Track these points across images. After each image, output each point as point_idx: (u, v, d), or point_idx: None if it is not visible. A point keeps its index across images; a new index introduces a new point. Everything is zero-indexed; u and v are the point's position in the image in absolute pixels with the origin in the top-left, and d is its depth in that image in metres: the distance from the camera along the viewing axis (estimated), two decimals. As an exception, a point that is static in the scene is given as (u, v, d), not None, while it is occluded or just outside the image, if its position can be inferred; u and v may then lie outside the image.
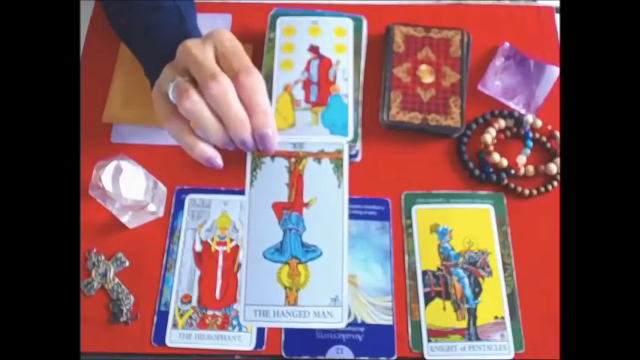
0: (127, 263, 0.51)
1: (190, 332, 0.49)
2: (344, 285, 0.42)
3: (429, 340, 0.48)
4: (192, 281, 0.50)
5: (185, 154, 0.42)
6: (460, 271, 0.51)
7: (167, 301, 0.50)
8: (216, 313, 0.49)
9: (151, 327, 0.49)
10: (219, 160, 0.42)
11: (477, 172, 0.54)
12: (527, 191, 0.53)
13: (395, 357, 0.48)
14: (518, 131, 0.56)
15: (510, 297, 0.50)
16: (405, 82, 0.56)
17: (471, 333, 0.48)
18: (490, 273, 0.51)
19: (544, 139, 0.56)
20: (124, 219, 0.50)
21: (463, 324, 0.49)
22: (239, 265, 0.51)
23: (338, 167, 0.44)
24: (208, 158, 0.42)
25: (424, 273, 0.51)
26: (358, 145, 0.53)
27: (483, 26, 0.61)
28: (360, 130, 0.51)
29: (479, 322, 0.49)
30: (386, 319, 0.49)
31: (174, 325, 0.49)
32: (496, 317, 0.49)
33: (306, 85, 0.49)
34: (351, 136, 0.47)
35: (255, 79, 0.40)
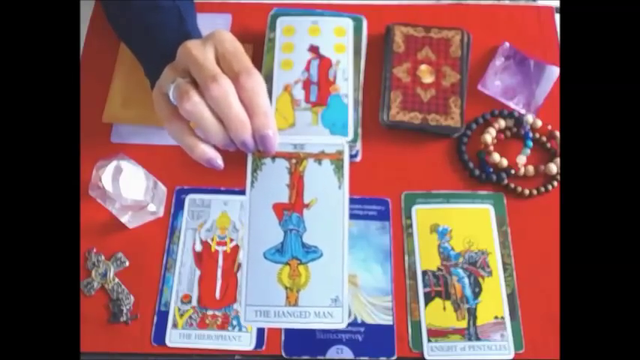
0: (127, 263, 0.51)
1: (190, 332, 0.49)
2: (344, 285, 0.42)
3: (429, 340, 0.48)
4: (192, 281, 0.50)
5: (185, 154, 0.42)
6: (460, 271, 0.51)
7: (167, 301, 0.50)
8: (216, 313, 0.49)
9: (151, 327, 0.49)
10: (219, 161, 0.42)
11: (476, 172, 0.54)
12: (527, 191, 0.53)
13: (395, 357, 0.48)
14: (518, 131, 0.56)
15: (510, 297, 0.50)
16: (405, 82, 0.56)
17: (471, 333, 0.48)
18: (490, 273, 0.51)
19: (544, 139, 0.56)
20: (124, 219, 0.50)
21: (463, 324, 0.49)
22: (239, 265, 0.51)
23: (338, 168, 0.44)
24: (209, 159, 0.42)
25: (424, 273, 0.51)
26: (358, 145, 0.53)
27: (483, 26, 0.61)
28: (360, 130, 0.51)
29: (479, 322, 0.49)
30: (386, 319, 0.49)
31: (174, 325, 0.49)
32: (496, 317, 0.49)
33: (306, 85, 0.49)
34: (351, 136, 0.47)
35: (255, 81, 0.40)
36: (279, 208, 0.44)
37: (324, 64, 0.51)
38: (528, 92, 0.57)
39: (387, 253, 0.52)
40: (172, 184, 0.54)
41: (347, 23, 0.53)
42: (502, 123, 0.56)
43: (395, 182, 0.54)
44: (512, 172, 0.54)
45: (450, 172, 0.55)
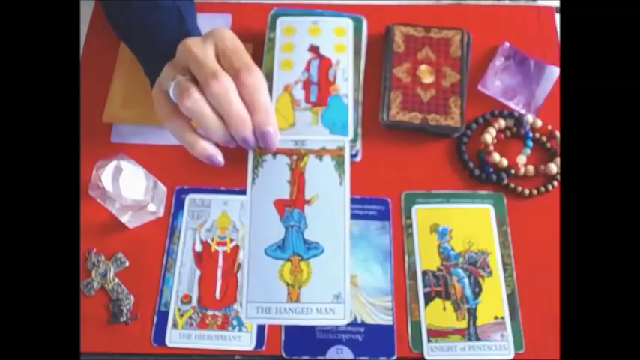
0: (127, 263, 0.51)
1: (190, 332, 0.49)
2: (346, 282, 0.42)
3: (429, 340, 0.48)
4: (192, 281, 0.50)
5: (185, 154, 0.42)
6: (460, 271, 0.51)
7: (167, 301, 0.50)
8: (216, 313, 0.49)
9: (151, 327, 0.49)
10: (220, 158, 0.42)
11: (477, 172, 0.54)
12: (527, 191, 0.53)
13: (395, 357, 0.48)
14: (518, 131, 0.56)
15: (510, 297, 0.50)
16: (405, 82, 0.56)
17: (471, 333, 0.48)
18: (490, 273, 0.51)
19: (544, 139, 0.56)
20: (124, 219, 0.50)
21: (463, 324, 0.49)
22: (239, 265, 0.51)
23: (339, 165, 0.44)
24: (209, 156, 0.42)
25: (424, 273, 0.51)
26: (358, 145, 0.53)
27: (483, 26, 0.61)
28: (360, 130, 0.51)
29: (479, 322, 0.49)
30: (386, 319, 0.49)
31: (174, 325, 0.49)
32: (496, 317, 0.49)
33: (306, 85, 0.49)
34: (351, 136, 0.47)
35: (256, 77, 0.40)
36: (280, 205, 0.44)
37: (324, 64, 0.51)
38: (528, 92, 0.57)
39: (387, 253, 0.52)
40: (172, 184, 0.54)
41: (347, 23, 0.53)
42: (502, 123, 0.56)
43: (395, 182, 0.54)
44: (512, 172, 0.54)
45: (450, 172, 0.55)
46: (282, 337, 0.49)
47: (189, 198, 0.54)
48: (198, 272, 0.51)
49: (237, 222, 0.52)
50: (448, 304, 0.50)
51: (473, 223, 0.52)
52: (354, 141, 0.47)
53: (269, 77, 0.50)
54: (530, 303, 0.50)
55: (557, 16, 0.62)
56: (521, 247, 0.52)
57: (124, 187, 0.47)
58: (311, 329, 0.49)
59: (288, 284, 0.42)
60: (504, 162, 0.54)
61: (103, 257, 0.51)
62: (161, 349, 0.48)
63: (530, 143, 0.54)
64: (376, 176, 0.54)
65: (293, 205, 0.44)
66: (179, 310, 0.49)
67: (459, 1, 0.64)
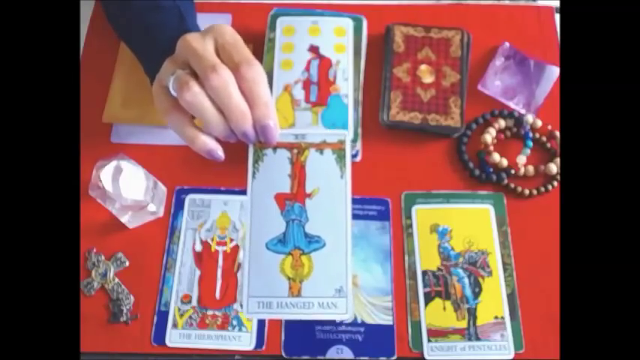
0: (127, 263, 0.51)
1: (190, 332, 0.49)
2: (348, 276, 0.42)
3: (429, 340, 0.48)
4: (192, 281, 0.50)
5: (185, 153, 0.42)
6: (460, 271, 0.51)
7: (167, 301, 0.50)
8: (216, 313, 0.49)
9: (151, 327, 0.49)
10: (220, 153, 0.42)
11: (477, 172, 0.54)
12: (527, 191, 0.53)
13: (395, 357, 0.48)
14: (518, 131, 0.56)
15: (510, 297, 0.50)
16: (405, 82, 0.56)
17: (471, 333, 0.48)
18: (490, 273, 0.51)
19: (544, 139, 0.56)
20: (124, 219, 0.50)
21: (463, 324, 0.49)
22: (239, 265, 0.51)
23: (340, 158, 0.44)
24: (209, 150, 0.42)
25: (424, 273, 0.51)
26: (358, 145, 0.53)
27: (483, 26, 0.61)
28: (360, 130, 0.51)
29: (479, 322, 0.49)
30: (386, 319, 0.49)
31: (174, 325, 0.49)
32: (496, 317, 0.49)
33: (306, 85, 0.49)
34: (351, 136, 0.47)
35: (256, 71, 0.40)
36: (281, 199, 0.44)
37: (324, 64, 0.51)
38: (528, 92, 0.57)
39: (387, 253, 0.52)
40: (172, 184, 0.54)
41: (347, 23, 0.53)
42: (502, 123, 0.56)
43: (395, 182, 0.54)
44: (512, 172, 0.54)
45: (450, 172, 0.55)
46: (282, 337, 0.49)
47: (189, 198, 0.54)
48: (198, 272, 0.51)
49: (237, 222, 0.52)
50: (448, 304, 0.50)
51: (473, 223, 0.52)
52: (354, 141, 0.47)
53: (269, 77, 0.50)
54: (530, 303, 0.50)
55: (557, 16, 0.62)
56: (521, 247, 0.52)
57: (124, 187, 0.47)
58: (311, 329, 0.49)
59: (289, 278, 0.42)
60: (504, 162, 0.54)
61: (103, 257, 0.51)
62: (161, 349, 0.48)
63: (530, 143, 0.54)
64: (376, 176, 0.54)
65: (294, 199, 0.43)
66: (179, 310, 0.49)
67: (459, 1, 0.64)
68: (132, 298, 0.50)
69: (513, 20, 0.62)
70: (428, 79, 0.56)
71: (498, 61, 0.58)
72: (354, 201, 0.52)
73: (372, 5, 0.62)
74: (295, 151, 0.44)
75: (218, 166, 0.44)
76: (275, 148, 0.44)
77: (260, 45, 0.54)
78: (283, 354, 0.48)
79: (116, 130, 0.57)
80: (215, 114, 0.40)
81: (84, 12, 0.61)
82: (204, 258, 0.51)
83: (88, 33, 0.62)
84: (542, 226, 0.52)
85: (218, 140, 0.42)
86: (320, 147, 0.44)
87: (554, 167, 0.54)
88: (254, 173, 0.44)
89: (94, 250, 0.52)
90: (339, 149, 0.44)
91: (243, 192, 0.44)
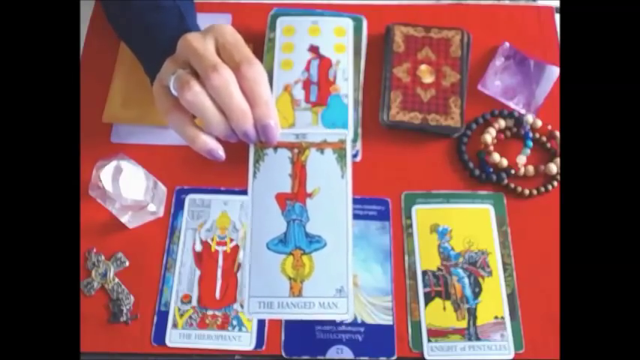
0: (127, 263, 0.51)
1: (190, 332, 0.49)
2: (349, 276, 0.42)
3: (429, 340, 0.48)
4: (192, 281, 0.50)
5: (185, 153, 0.42)
6: (460, 271, 0.51)
7: (167, 301, 0.50)
8: (216, 313, 0.49)
9: (151, 327, 0.49)
10: (221, 152, 0.42)
11: (477, 172, 0.54)
12: (527, 191, 0.53)
13: (395, 357, 0.48)
14: (518, 131, 0.56)
15: (510, 297, 0.50)
16: (405, 82, 0.56)
17: (471, 333, 0.48)
18: (490, 273, 0.51)
19: (544, 139, 0.56)
20: (124, 219, 0.50)
21: (463, 324, 0.49)
22: (239, 265, 0.51)
23: (341, 157, 0.44)
24: (210, 150, 0.42)
25: (424, 273, 0.51)
26: (358, 145, 0.53)
27: (483, 26, 0.61)
28: (360, 130, 0.51)
29: (479, 322, 0.49)
30: (386, 319, 0.49)
31: (174, 325, 0.49)
32: (496, 317, 0.49)
33: (306, 85, 0.49)
34: (351, 135, 0.47)
35: (256, 70, 0.40)
36: (281, 198, 0.44)
37: (324, 64, 0.50)
38: (528, 92, 0.57)
39: (387, 253, 0.52)
40: (172, 184, 0.54)
41: (347, 23, 0.53)
42: (502, 123, 0.56)
43: (395, 182, 0.54)
44: (512, 172, 0.54)
45: (450, 172, 0.55)
46: (282, 337, 0.49)
47: (189, 198, 0.54)
48: (198, 272, 0.51)
49: (237, 222, 0.52)
50: (448, 304, 0.50)
51: (473, 223, 0.52)
52: (354, 141, 0.47)
53: (269, 77, 0.50)
54: (530, 303, 0.50)
55: (557, 16, 0.62)
56: (521, 247, 0.52)
57: (124, 187, 0.47)
58: (311, 329, 0.49)
59: (290, 278, 0.42)
60: (504, 162, 0.54)
61: (103, 257, 0.51)
62: (161, 349, 0.48)
63: (530, 143, 0.54)
64: (376, 176, 0.54)
65: (295, 199, 0.43)
66: (179, 310, 0.49)
67: (459, 1, 0.64)
68: (132, 298, 0.50)
69: (513, 20, 0.62)
70: (428, 79, 0.56)
71: (498, 61, 0.58)
72: (354, 201, 0.52)
73: (372, 5, 0.62)
74: (296, 150, 0.44)
75: (218, 166, 0.44)
76: (276, 148, 0.44)
77: (260, 45, 0.54)
78: (283, 354, 0.48)
79: (116, 130, 0.57)
80: (216, 114, 0.40)
81: (84, 12, 0.61)
82: (204, 258, 0.51)
83: (88, 33, 0.62)
84: (542, 226, 0.52)
85: (219, 140, 0.42)
86: (321, 146, 0.44)
87: (554, 167, 0.54)
88: (255, 173, 0.44)
89: (94, 250, 0.52)
90: (339, 149, 0.44)
91: (243, 192, 0.44)
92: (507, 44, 0.59)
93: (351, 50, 0.52)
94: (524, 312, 0.49)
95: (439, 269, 0.51)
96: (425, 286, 0.50)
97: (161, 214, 0.53)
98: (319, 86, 0.49)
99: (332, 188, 0.43)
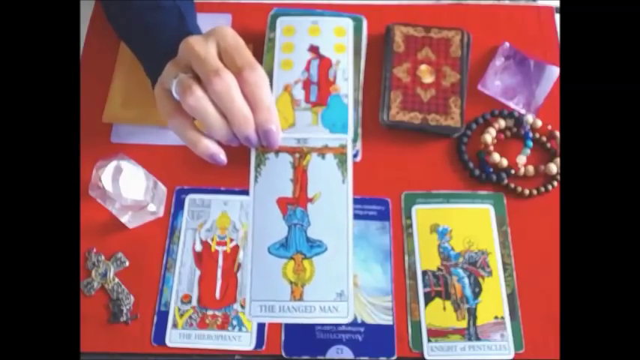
0: (127, 263, 0.51)
1: (190, 332, 0.49)
2: (349, 280, 0.42)
3: (429, 340, 0.48)
4: (192, 281, 0.50)
5: (185, 154, 0.42)
6: (460, 271, 0.51)
7: (167, 301, 0.50)
8: (216, 313, 0.49)
9: (151, 327, 0.49)
10: (222, 157, 0.42)
11: (477, 172, 0.54)
12: (527, 191, 0.53)
13: (395, 357, 0.48)
14: (518, 131, 0.56)
15: (510, 297, 0.50)
16: (405, 82, 0.56)
17: (471, 333, 0.48)
18: (490, 273, 0.51)
19: (544, 139, 0.56)
20: (124, 219, 0.50)
21: (463, 324, 0.49)
22: (239, 265, 0.51)
23: (342, 162, 0.44)
24: (212, 154, 0.42)
25: (424, 273, 0.51)
26: (358, 145, 0.53)
27: (483, 26, 0.61)
28: (360, 130, 0.51)
29: (479, 322, 0.49)
30: (386, 319, 0.49)
31: (174, 325, 0.49)
32: (496, 317, 0.49)
33: (306, 85, 0.49)
34: (351, 136, 0.47)
35: (258, 75, 0.40)
36: (283, 203, 0.44)
37: (324, 64, 0.50)
38: (528, 92, 0.57)
39: (387, 253, 0.52)
40: (172, 184, 0.54)
41: (347, 23, 0.53)
42: (502, 123, 0.56)
43: (395, 182, 0.54)
44: (512, 172, 0.54)
45: (450, 172, 0.55)
46: (282, 337, 0.49)
47: (189, 198, 0.54)
48: (198, 272, 0.51)
49: (237, 222, 0.52)
50: (448, 304, 0.50)
51: (473, 223, 0.52)
52: (354, 141, 0.47)
53: (269, 77, 0.50)
54: (530, 303, 0.50)
55: (557, 16, 0.62)
56: (521, 247, 0.52)
57: (124, 187, 0.47)
58: (311, 329, 0.49)
59: (291, 283, 0.42)
60: (504, 162, 0.54)
61: (103, 257, 0.51)
62: (161, 349, 0.48)
63: (530, 143, 0.54)
64: (376, 176, 0.54)
65: (296, 203, 0.44)
66: (179, 310, 0.49)
67: (459, 1, 0.64)
68: (132, 298, 0.50)
69: (513, 20, 0.62)
70: (428, 79, 0.56)
71: (498, 61, 0.58)
72: (354, 201, 0.52)
73: (372, 5, 0.62)
74: (297, 155, 0.45)
75: (218, 167, 0.44)
76: (277, 153, 0.45)
77: (260, 45, 0.54)
78: (283, 354, 0.48)
79: (116, 130, 0.57)
80: (218, 118, 0.40)
81: (84, 12, 0.61)
82: (204, 258, 0.51)
83: (88, 33, 0.62)
84: (542, 226, 0.52)
85: (220, 144, 0.42)
86: (322, 151, 0.45)
87: (554, 167, 0.54)
88: (256, 177, 0.44)
89: (94, 250, 0.52)
90: (340, 154, 0.45)
91: (243, 192, 0.44)
92: (507, 44, 0.59)
93: (351, 50, 0.52)
94: (524, 312, 0.49)
95: (439, 269, 0.51)
96: (425, 286, 0.50)
97: (161, 214, 0.53)
98: (319, 86, 0.49)
99: (333, 193, 0.44)
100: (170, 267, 0.51)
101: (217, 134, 0.41)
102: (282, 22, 0.53)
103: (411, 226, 0.53)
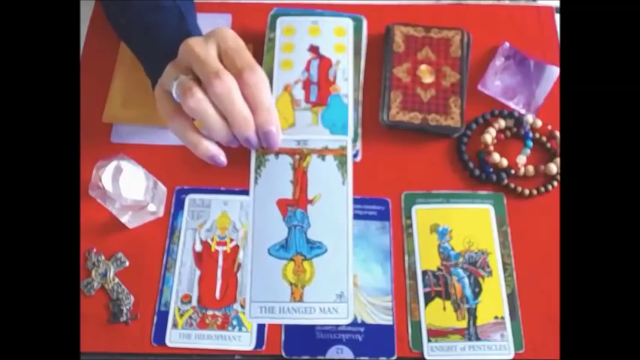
0: (127, 263, 0.51)
1: (190, 332, 0.49)
2: (349, 281, 0.42)
3: (429, 340, 0.48)
4: (192, 281, 0.50)
5: (185, 154, 0.42)
6: (460, 271, 0.51)
7: (167, 301, 0.50)
8: (216, 313, 0.49)
9: (151, 327, 0.49)
10: (223, 158, 0.42)
11: (477, 172, 0.54)
12: (527, 191, 0.53)
13: (395, 357, 0.48)
14: (518, 131, 0.56)
15: (510, 297, 0.50)
16: (405, 82, 0.56)
17: (471, 333, 0.48)
18: (490, 273, 0.51)
19: (544, 139, 0.56)
20: (124, 219, 0.50)
21: (463, 324, 0.49)
22: (239, 265, 0.51)
23: (342, 164, 0.44)
24: (212, 156, 0.42)
25: (424, 273, 0.51)
26: (358, 145, 0.53)
27: (483, 26, 0.61)
28: (360, 130, 0.51)
29: (479, 322, 0.49)
30: (386, 319, 0.49)
31: (174, 325, 0.49)
32: (496, 317, 0.49)
33: (306, 85, 0.49)
34: (351, 136, 0.47)
35: (258, 77, 0.40)
36: (283, 204, 0.44)
37: (324, 64, 0.50)
38: (528, 92, 0.57)
39: (387, 253, 0.52)
40: (172, 184, 0.54)
41: (347, 23, 0.53)
42: (502, 123, 0.56)
43: (395, 182, 0.54)
44: (512, 172, 0.54)
45: (450, 172, 0.55)
46: (282, 337, 0.49)
47: (189, 198, 0.54)
48: (198, 272, 0.51)
49: (237, 222, 0.52)
50: (448, 304, 0.50)
51: (473, 223, 0.52)
52: (354, 141, 0.47)
53: (269, 77, 0.50)
54: (530, 303, 0.50)
55: (557, 16, 0.62)
56: (521, 247, 0.52)
57: (124, 187, 0.47)
58: (311, 329, 0.49)
59: (291, 284, 0.42)
60: (504, 162, 0.54)
61: (103, 257, 0.51)
62: (161, 349, 0.48)
63: (530, 143, 0.54)
64: (376, 176, 0.54)
65: (296, 205, 0.44)
66: (179, 310, 0.49)
67: (459, 1, 0.64)
68: (132, 298, 0.50)
69: (513, 20, 0.62)
70: (428, 79, 0.56)
71: (498, 61, 0.58)
72: (354, 201, 0.52)
73: (372, 5, 0.62)
74: (297, 157, 0.45)
75: (218, 167, 0.44)
76: (277, 154, 0.45)
77: (260, 45, 0.54)
78: (283, 354, 0.48)
79: (116, 130, 0.57)
80: (218, 120, 0.40)
81: (84, 12, 0.61)
82: (204, 258, 0.51)
83: (88, 33, 0.62)
84: (542, 226, 0.52)
85: (220, 145, 0.42)
86: (322, 153, 0.45)
87: (554, 167, 0.54)
88: (256, 179, 0.44)
89: (94, 250, 0.52)
90: (340, 155, 0.45)
91: (243, 192, 0.44)
92: (507, 44, 0.59)
93: (351, 50, 0.52)
94: (524, 312, 0.49)
95: (439, 269, 0.51)
96: (425, 286, 0.50)
97: (161, 214, 0.53)
98: (319, 86, 0.49)
99: (333, 195, 0.44)
100: (170, 267, 0.51)
101: (217, 136, 0.41)
102: (282, 22, 0.53)
103: (411, 226, 0.53)
